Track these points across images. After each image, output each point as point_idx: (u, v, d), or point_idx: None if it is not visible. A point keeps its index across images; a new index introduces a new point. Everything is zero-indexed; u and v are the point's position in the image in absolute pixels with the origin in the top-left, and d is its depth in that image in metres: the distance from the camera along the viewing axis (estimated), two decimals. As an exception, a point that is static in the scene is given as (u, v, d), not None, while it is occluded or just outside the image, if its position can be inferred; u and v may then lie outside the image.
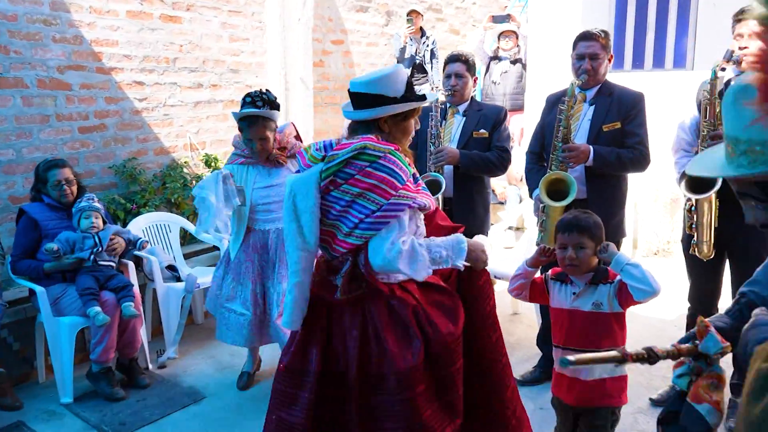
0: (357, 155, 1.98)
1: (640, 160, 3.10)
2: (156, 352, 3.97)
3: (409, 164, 2.06)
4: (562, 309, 2.39)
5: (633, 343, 2.40)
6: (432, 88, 6.28)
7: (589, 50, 3.09)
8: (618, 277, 2.29)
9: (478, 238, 2.21)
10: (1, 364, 3.41)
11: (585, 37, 3.11)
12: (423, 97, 2.11)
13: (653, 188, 5.70)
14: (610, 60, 3.17)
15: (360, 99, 2.06)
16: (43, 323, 3.43)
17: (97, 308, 3.26)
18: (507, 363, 2.32)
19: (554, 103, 3.19)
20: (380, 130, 2.08)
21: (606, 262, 2.31)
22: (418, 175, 2.16)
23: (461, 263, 2.06)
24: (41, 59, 4.28)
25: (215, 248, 4.60)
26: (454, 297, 2.18)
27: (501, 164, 3.34)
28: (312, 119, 6.04)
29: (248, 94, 3.18)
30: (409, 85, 2.09)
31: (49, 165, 3.52)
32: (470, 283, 2.21)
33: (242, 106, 3.20)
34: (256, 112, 3.18)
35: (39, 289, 3.38)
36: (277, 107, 3.32)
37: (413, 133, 2.18)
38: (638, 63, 5.96)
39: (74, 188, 3.54)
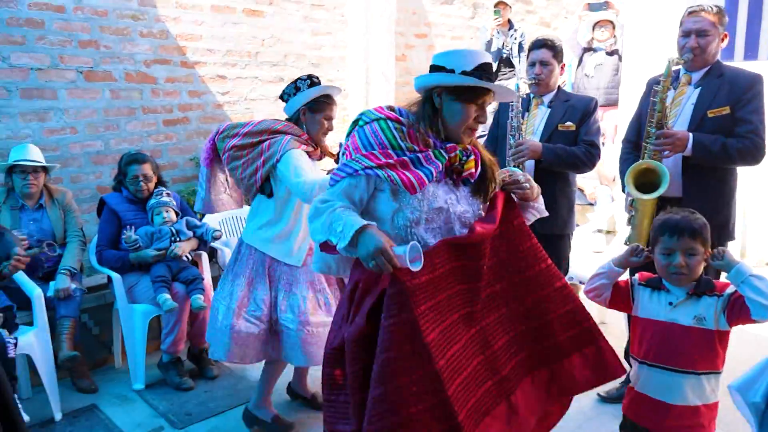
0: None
1: (751, 150, 2.70)
2: (227, 344, 3.96)
3: (414, 141, 1.90)
4: (652, 320, 2.10)
5: (736, 366, 2.10)
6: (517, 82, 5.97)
7: (696, 26, 2.74)
8: (728, 290, 1.98)
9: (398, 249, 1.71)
10: (81, 348, 3.51)
11: (693, 11, 2.76)
12: (489, 81, 1.91)
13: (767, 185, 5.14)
14: (722, 39, 2.80)
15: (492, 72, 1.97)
16: (118, 310, 3.49)
17: (167, 295, 3.27)
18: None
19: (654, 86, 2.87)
20: (432, 104, 1.94)
21: (718, 271, 2.01)
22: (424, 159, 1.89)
23: (343, 248, 1.74)
24: (129, 53, 4.40)
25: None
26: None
27: (588, 160, 3.04)
28: (393, 114, 5.90)
29: (309, 76, 2.88)
30: (482, 68, 1.89)
31: (131, 159, 3.57)
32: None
33: (309, 86, 2.84)
34: (334, 91, 2.91)
35: (115, 276, 3.44)
36: None
37: (468, 120, 1.93)
38: (751, 53, 5.39)
39: (151, 185, 3.58)
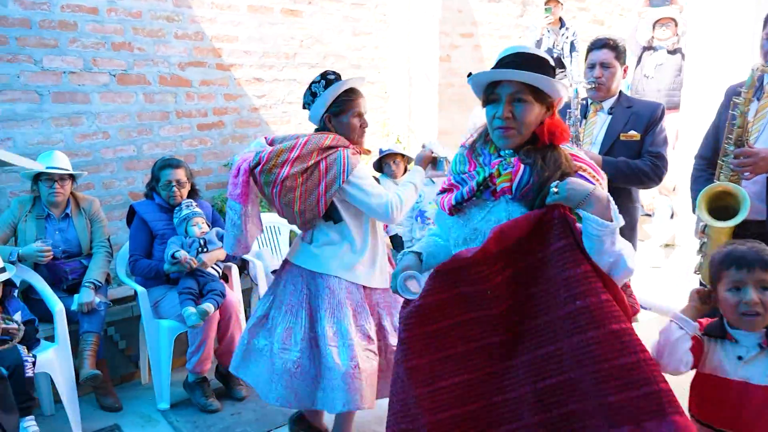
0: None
1: None
2: (258, 361, 3.77)
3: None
4: (718, 377, 1.74)
5: None
6: (570, 84, 5.60)
7: None
8: None
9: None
10: (107, 362, 3.37)
11: None
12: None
13: None
14: None
15: (528, 60, 1.68)
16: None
17: (192, 309, 3.09)
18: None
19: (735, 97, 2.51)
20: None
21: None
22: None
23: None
24: (163, 56, 4.26)
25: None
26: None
27: (655, 174, 2.71)
28: (436, 118, 5.64)
29: (323, 75, 2.53)
30: (500, 61, 1.74)
31: (164, 164, 3.42)
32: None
33: (325, 88, 2.50)
34: (354, 82, 2.57)
35: (140, 289, 3.29)
36: None
37: (491, 120, 1.74)
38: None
39: (184, 191, 3.41)
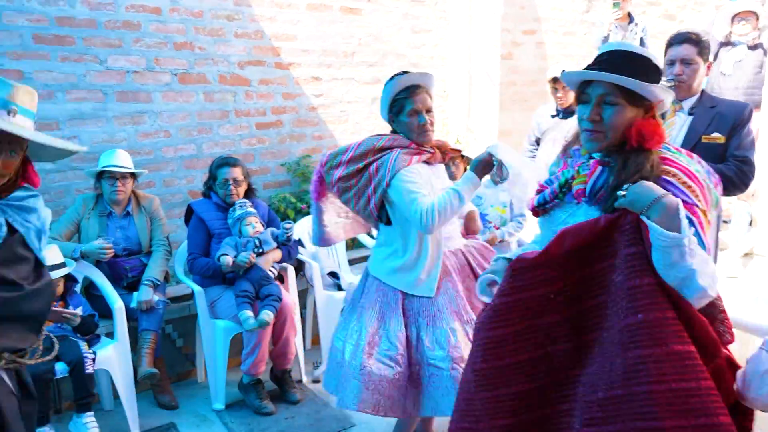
0: None
1: None
2: (312, 364, 3.73)
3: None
4: None
5: None
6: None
7: None
8: None
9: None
10: (164, 360, 3.39)
11: None
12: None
13: None
14: None
15: (625, 59, 1.55)
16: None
17: (249, 312, 3.07)
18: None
19: None
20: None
21: None
22: None
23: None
24: (223, 55, 4.27)
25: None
26: None
27: (741, 180, 2.51)
28: (497, 117, 5.47)
29: (400, 72, 2.44)
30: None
31: (222, 162, 3.42)
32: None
33: (397, 77, 2.43)
34: (412, 79, 2.43)
35: (197, 289, 3.29)
36: None
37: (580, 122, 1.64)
38: None
39: (241, 190, 3.40)
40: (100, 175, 3.34)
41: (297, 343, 3.42)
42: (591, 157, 1.63)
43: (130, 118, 3.96)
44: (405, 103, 2.39)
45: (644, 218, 1.43)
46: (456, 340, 2.29)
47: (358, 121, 4.95)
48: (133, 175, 3.41)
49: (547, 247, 1.55)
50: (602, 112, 1.55)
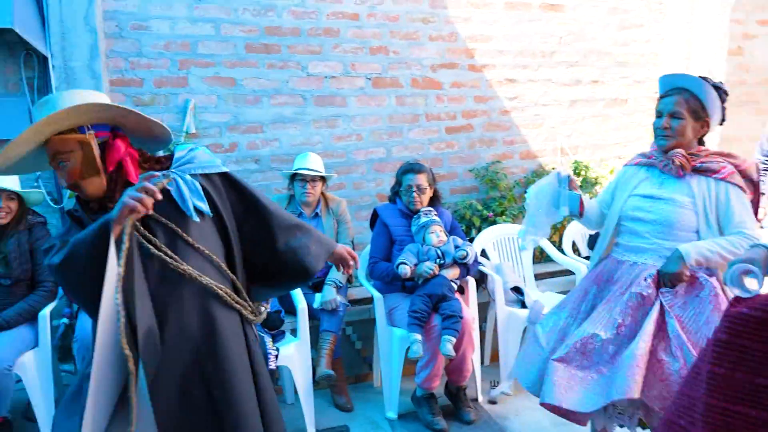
0: None
1: None
2: (490, 383, 3.53)
3: None
4: None
5: None
6: None
7: None
8: None
9: None
10: (342, 361, 3.44)
11: None
12: None
13: None
14: None
15: None
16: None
17: (417, 337, 2.95)
18: None
19: None
20: None
21: None
22: None
23: None
24: (416, 58, 4.24)
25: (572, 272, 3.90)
26: None
27: None
28: (718, 122, 4.76)
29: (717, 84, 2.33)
30: None
31: (407, 168, 3.37)
32: None
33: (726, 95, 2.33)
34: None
35: (377, 295, 3.27)
36: None
37: None
38: None
39: (425, 197, 3.31)
40: (293, 177, 3.48)
41: (474, 360, 3.24)
42: None
43: (325, 122, 4.10)
44: None
45: None
46: None
47: (554, 125, 4.63)
48: (323, 178, 3.50)
49: None
50: None
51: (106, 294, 1.44)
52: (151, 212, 1.56)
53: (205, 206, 1.73)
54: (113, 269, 1.47)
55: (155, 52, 3.69)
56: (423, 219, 3.23)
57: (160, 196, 1.57)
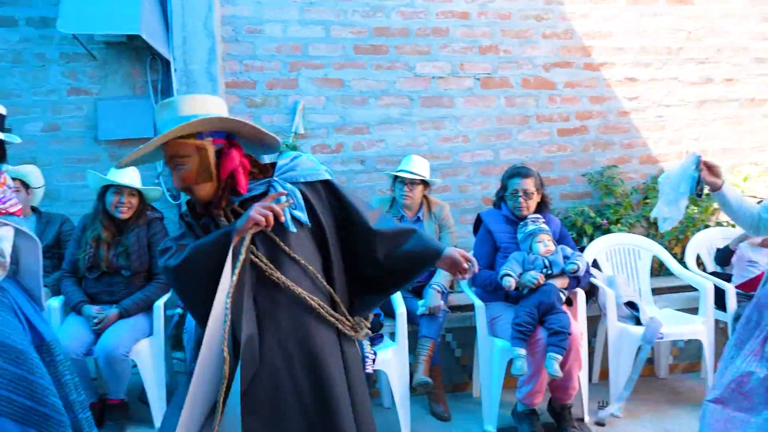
0: None
1: None
2: (598, 403, 3.30)
3: None
4: None
5: None
6: None
7: None
8: None
9: None
10: (440, 369, 3.36)
11: None
12: None
13: None
14: None
15: None
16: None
17: (521, 352, 2.80)
18: None
19: None
20: None
21: None
22: None
23: None
24: (528, 57, 4.07)
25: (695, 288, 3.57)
26: None
27: None
28: None
29: None
30: None
31: (513, 172, 3.23)
32: None
33: None
34: None
35: (478, 303, 3.16)
36: None
37: None
38: None
39: (531, 202, 3.15)
40: (395, 179, 3.44)
41: (581, 378, 3.05)
42: None
43: (431, 123, 4.03)
44: None
45: None
46: None
47: (679, 127, 4.27)
48: (425, 182, 3.44)
49: None
50: None
51: (219, 297, 1.49)
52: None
53: (303, 216, 1.72)
54: (227, 277, 1.53)
55: (268, 54, 3.79)
56: (530, 226, 3.08)
57: (282, 219, 1.63)
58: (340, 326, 1.75)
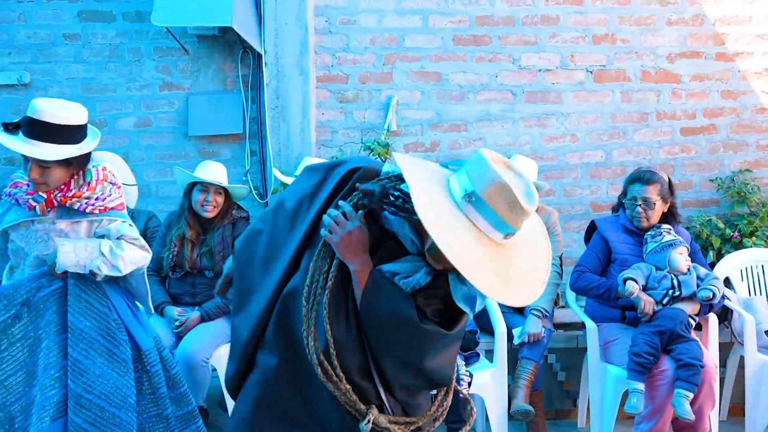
0: None
1: None
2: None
3: None
4: None
5: None
6: None
7: None
8: None
9: None
10: (541, 394, 3.01)
11: None
12: None
13: None
14: None
15: None
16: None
17: (639, 387, 2.41)
18: None
19: None
20: None
21: None
22: None
23: None
24: (649, 47, 3.65)
25: None
26: None
27: None
28: None
29: None
30: None
31: (635, 177, 2.84)
32: None
33: None
34: None
35: (590, 324, 2.79)
36: None
37: None
38: None
39: (653, 213, 2.75)
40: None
41: (712, 418, 2.61)
42: None
43: (536, 120, 3.69)
44: None
45: None
46: None
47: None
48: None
49: None
50: None
51: None
52: None
53: None
54: None
55: (361, 46, 3.59)
56: (667, 237, 2.66)
57: None
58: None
